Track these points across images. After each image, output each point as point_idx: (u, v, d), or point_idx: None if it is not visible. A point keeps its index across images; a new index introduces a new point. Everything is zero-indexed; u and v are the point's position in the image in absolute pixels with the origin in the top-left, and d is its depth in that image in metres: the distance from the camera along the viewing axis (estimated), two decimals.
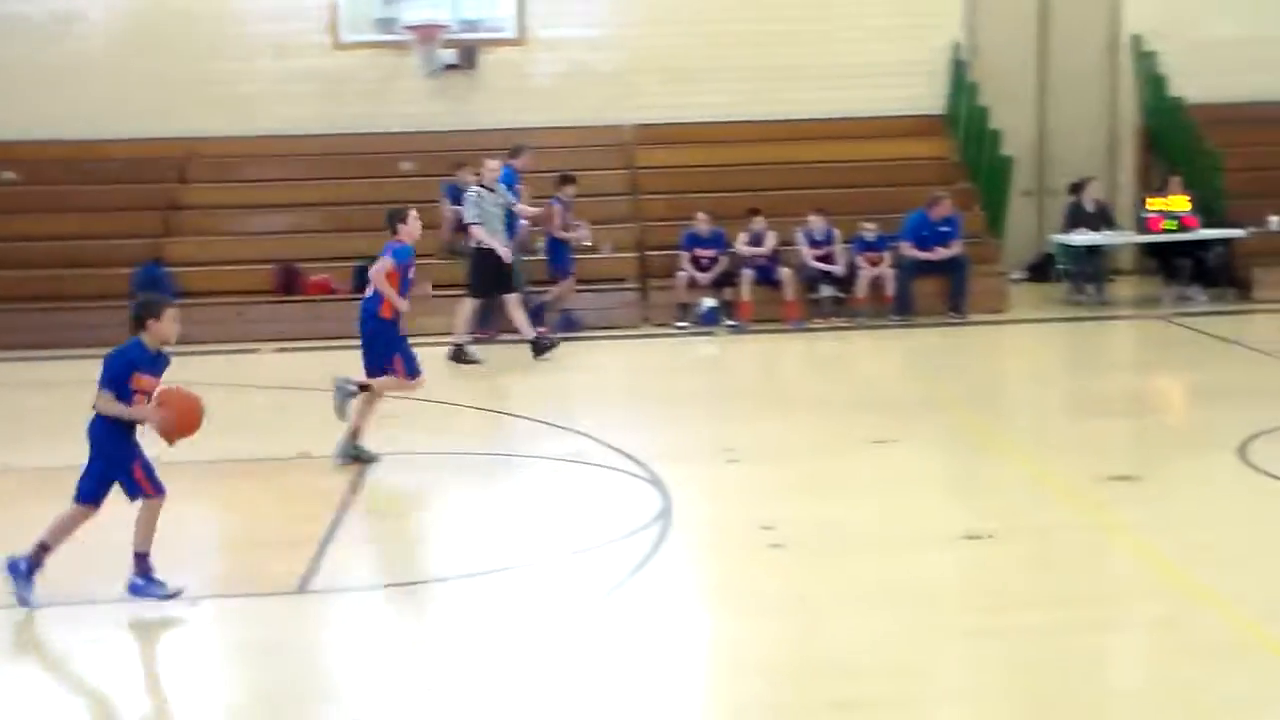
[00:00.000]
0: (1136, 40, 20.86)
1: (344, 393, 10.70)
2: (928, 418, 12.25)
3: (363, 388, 10.76)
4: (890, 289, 17.80)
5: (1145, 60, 20.76)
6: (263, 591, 8.11)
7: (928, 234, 17.89)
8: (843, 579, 8.07)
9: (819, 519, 9.24)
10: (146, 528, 7.73)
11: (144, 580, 7.75)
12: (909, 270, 17.82)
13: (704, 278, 17.81)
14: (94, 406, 7.63)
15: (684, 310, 17.66)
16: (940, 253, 17.81)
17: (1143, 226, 18.63)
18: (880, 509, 9.43)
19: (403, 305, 10.71)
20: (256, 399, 14.12)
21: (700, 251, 17.94)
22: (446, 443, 11.65)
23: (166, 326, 7.68)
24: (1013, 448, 11.34)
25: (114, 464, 7.63)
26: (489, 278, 15.45)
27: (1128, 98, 21.18)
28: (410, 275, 10.78)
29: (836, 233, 18.04)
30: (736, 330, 17.05)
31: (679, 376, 15.03)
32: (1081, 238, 18.54)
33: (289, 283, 18.22)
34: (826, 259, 17.94)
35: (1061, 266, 19.19)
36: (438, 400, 12.76)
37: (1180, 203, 18.36)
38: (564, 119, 20.07)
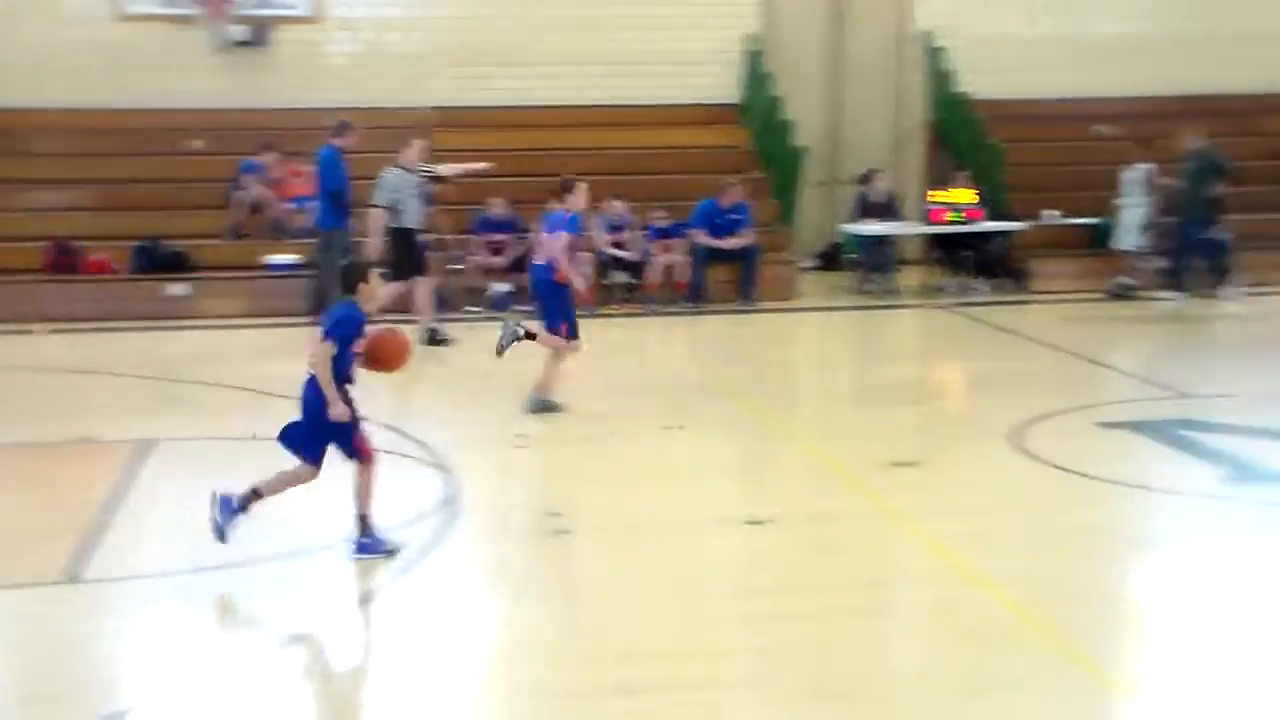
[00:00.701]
0: (925, 35, 21.35)
1: (512, 334, 11.44)
2: (714, 404, 12.36)
3: (529, 335, 11.50)
4: (683, 276, 17.93)
5: (933, 55, 21.27)
6: (23, 582, 7.81)
7: (720, 222, 18.06)
8: (626, 564, 8.08)
9: (605, 505, 9.26)
10: (366, 490, 7.98)
11: (370, 539, 7.99)
12: (701, 258, 17.97)
13: (497, 263, 17.72)
14: (310, 365, 7.83)
15: (474, 295, 17.53)
16: (731, 241, 18.00)
17: (928, 218, 19.09)
18: (666, 494, 9.48)
19: (578, 281, 11.90)
20: (34, 381, 13.62)
21: (493, 236, 17.84)
22: (221, 427, 11.37)
23: (376, 287, 8.04)
24: (797, 434, 11.51)
25: (328, 425, 7.82)
26: (404, 259, 15.16)
27: (917, 92, 21.67)
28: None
29: (632, 219, 18.12)
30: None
31: (469, 361, 14.90)
32: (869, 228, 18.92)
33: (65, 261, 17.60)
34: (620, 245, 18.00)
35: (850, 256, 19.57)
36: (237, 386, 12.44)
37: (965, 196, 18.84)
38: (360, 100, 19.72)
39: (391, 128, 19.14)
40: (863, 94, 21.69)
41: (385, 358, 8.16)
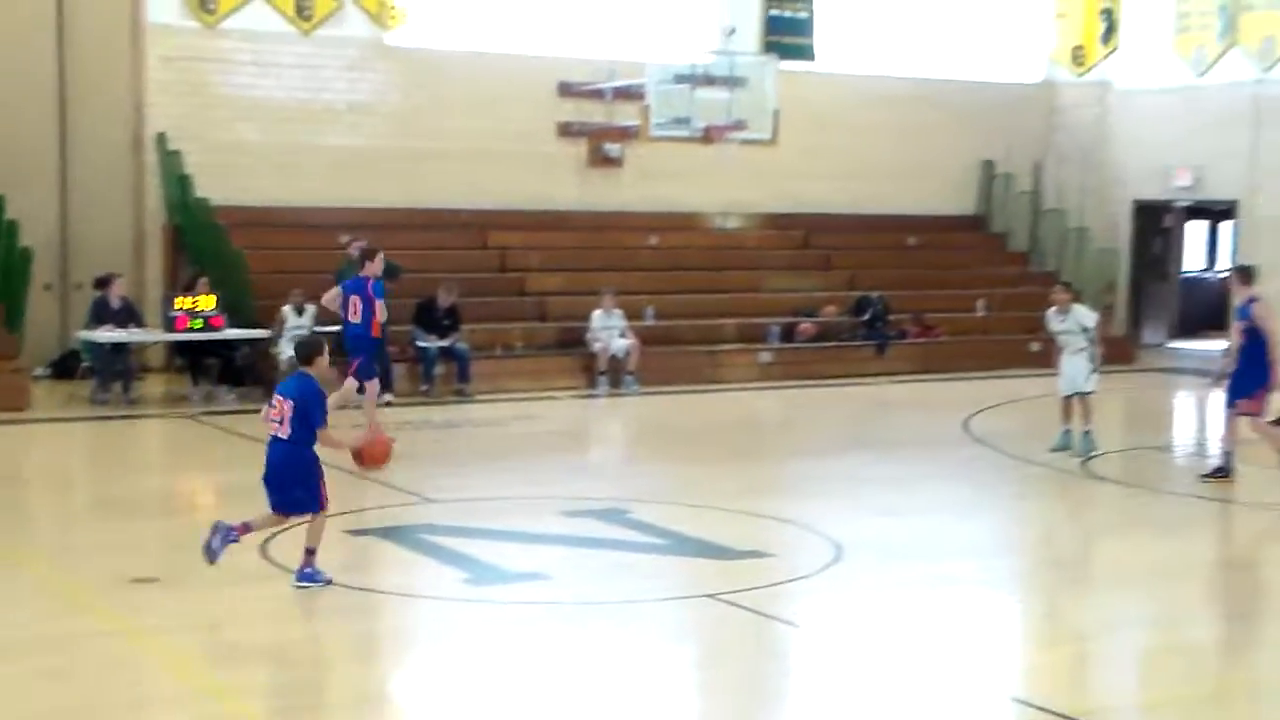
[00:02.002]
0: (161, 138, 20.81)
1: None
2: None
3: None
4: None
5: (170, 159, 20.75)
6: None
7: None
8: None
9: None
10: (319, 531, 9.54)
11: (311, 570, 9.45)
12: None
13: None
14: (321, 442, 9.40)
15: None
16: None
17: (170, 325, 18.49)
18: None
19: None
20: None
21: None
22: None
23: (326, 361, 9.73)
24: (30, 555, 10.63)
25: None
26: None
27: (155, 195, 21.05)
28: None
29: None
30: None
31: None
32: (107, 335, 18.06)
33: None
34: None
35: (87, 364, 18.58)
36: None
37: (207, 302, 18.43)
38: None
39: None
40: (96, 195, 20.81)
41: (377, 456, 10.16)
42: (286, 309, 18.66)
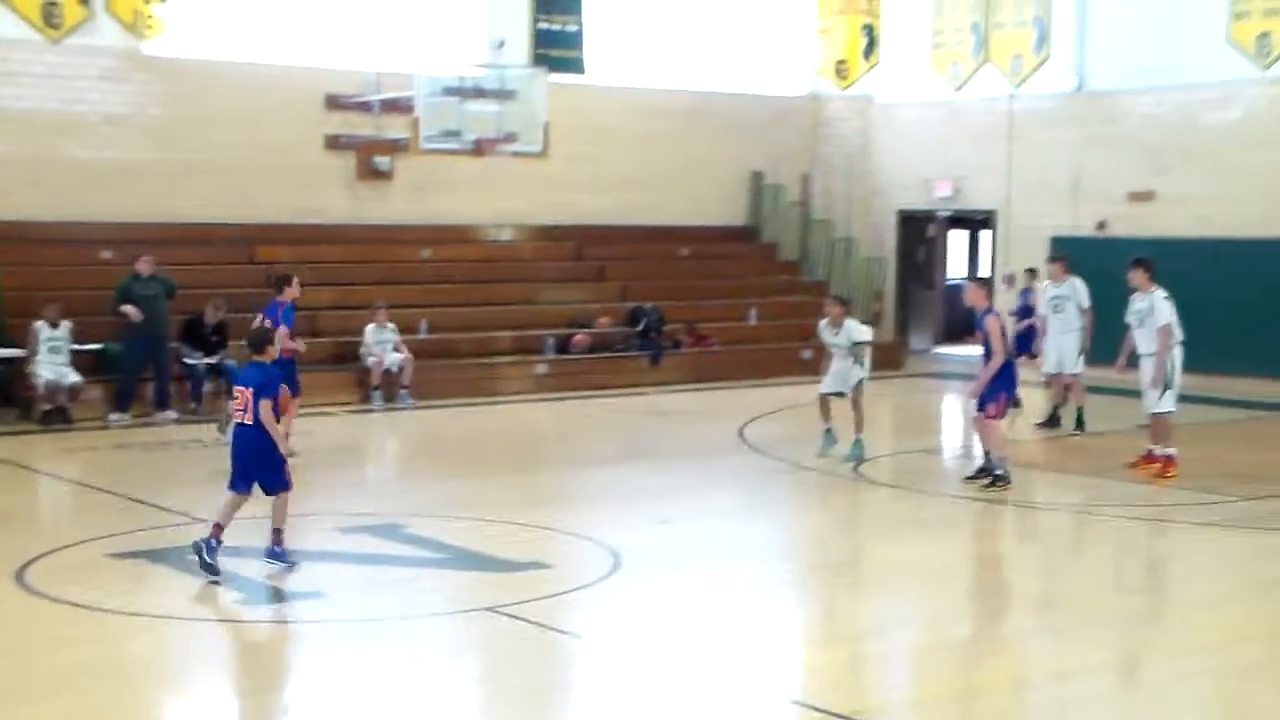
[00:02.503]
0: None
1: None
2: None
3: None
4: None
5: None
6: None
7: None
8: None
9: None
10: (283, 512, 10.33)
11: (281, 550, 10.25)
12: None
13: None
14: (260, 418, 10.06)
15: None
16: None
17: None
18: None
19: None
20: None
21: None
22: None
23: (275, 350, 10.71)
24: None
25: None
26: None
27: None
28: None
29: None
30: None
31: None
32: None
33: None
34: None
35: None
36: None
37: None
38: None
39: None
40: None
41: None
42: (39, 324, 17.92)
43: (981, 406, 13.99)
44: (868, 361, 15.70)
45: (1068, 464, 16.03)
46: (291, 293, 14.72)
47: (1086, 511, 13.53)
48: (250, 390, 10.12)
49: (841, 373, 15.55)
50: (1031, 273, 20.61)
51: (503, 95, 21.60)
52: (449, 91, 21.34)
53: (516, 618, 9.23)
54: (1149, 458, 14.66)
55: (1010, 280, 23.95)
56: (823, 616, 10.12)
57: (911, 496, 14.23)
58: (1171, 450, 14.53)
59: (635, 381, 22.09)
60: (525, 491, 14.01)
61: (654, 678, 8.29)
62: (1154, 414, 14.62)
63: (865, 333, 15.75)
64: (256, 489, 10.30)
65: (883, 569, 11.42)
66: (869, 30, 27.52)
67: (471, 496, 13.58)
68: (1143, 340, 14.56)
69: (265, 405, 10.06)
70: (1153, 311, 14.43)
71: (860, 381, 15.53)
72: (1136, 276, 14.62)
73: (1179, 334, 14.53)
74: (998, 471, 13.84)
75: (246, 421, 10.14)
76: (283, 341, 13.20)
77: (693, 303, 24.27)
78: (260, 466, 10.19)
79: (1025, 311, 19.56)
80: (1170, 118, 23.37)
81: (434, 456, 17.06)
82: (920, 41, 26.84)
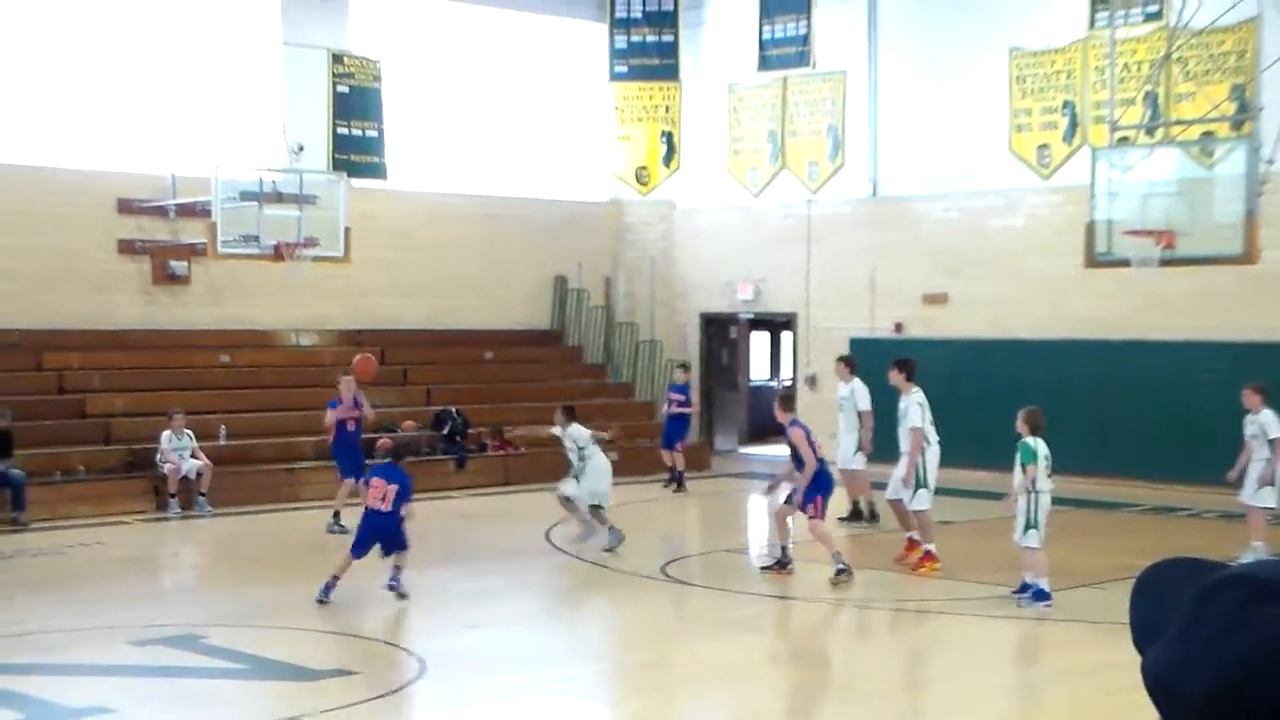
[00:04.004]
0: None
1: None
2: None
3: None
4: None
5: None
6: None
7: None
8: None
9: None
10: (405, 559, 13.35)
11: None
12: None
13: None
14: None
15: None
16: None
17: None
18: None
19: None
20: None
21: None
22: None
23: None
24: None
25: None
26: None
27: None
28: None
29: None
30: None
31: None
32: None
33: None
34: None
35: None
36: None
37: None
38: None
39: None
40: None
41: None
42: None
43: (804, 508, 14.21)
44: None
45: (869, 560, 16.24)
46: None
47: (899, 609, 13.69)
48: (395, 487, 12.89)
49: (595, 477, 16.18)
50: (684, 367, 23.44)
51: (302, 200, 21.36)
52: (247, 196, 21.02)
53: None
54: (910, 544, 15.11)
55: (812, 381, 24.39)
56: (632, 719, 10.02)
57: (719, 595, 14.25)
58: (930, 546, 14.83)
59: (441, 485, 21.79)
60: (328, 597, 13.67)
61: None
62: (913, 511, 15.08)
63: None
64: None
65: (690, 668, 11.38)
66: (668, 138, 27.98)
67: (273, 604, 13.20)
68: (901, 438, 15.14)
69: (408, 507, 13.06)
70: (906, 414, 14.89)
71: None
72: (894, 377, 15.19)
73: (933, 436, 15.08)
74: (839, 566, 14.03)
75: (385, 509, 12.82)
76: None
77: (498, 405, 24.15)
78: (388, 541, 12.93)
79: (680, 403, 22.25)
80: (960, 223, 24.14)
81: (234, 564, 16.59)
82: (719, 149, 27.38)
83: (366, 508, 13.18)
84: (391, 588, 13.00)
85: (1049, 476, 12.77)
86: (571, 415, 16.54)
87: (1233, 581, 1.47)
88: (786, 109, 26.43)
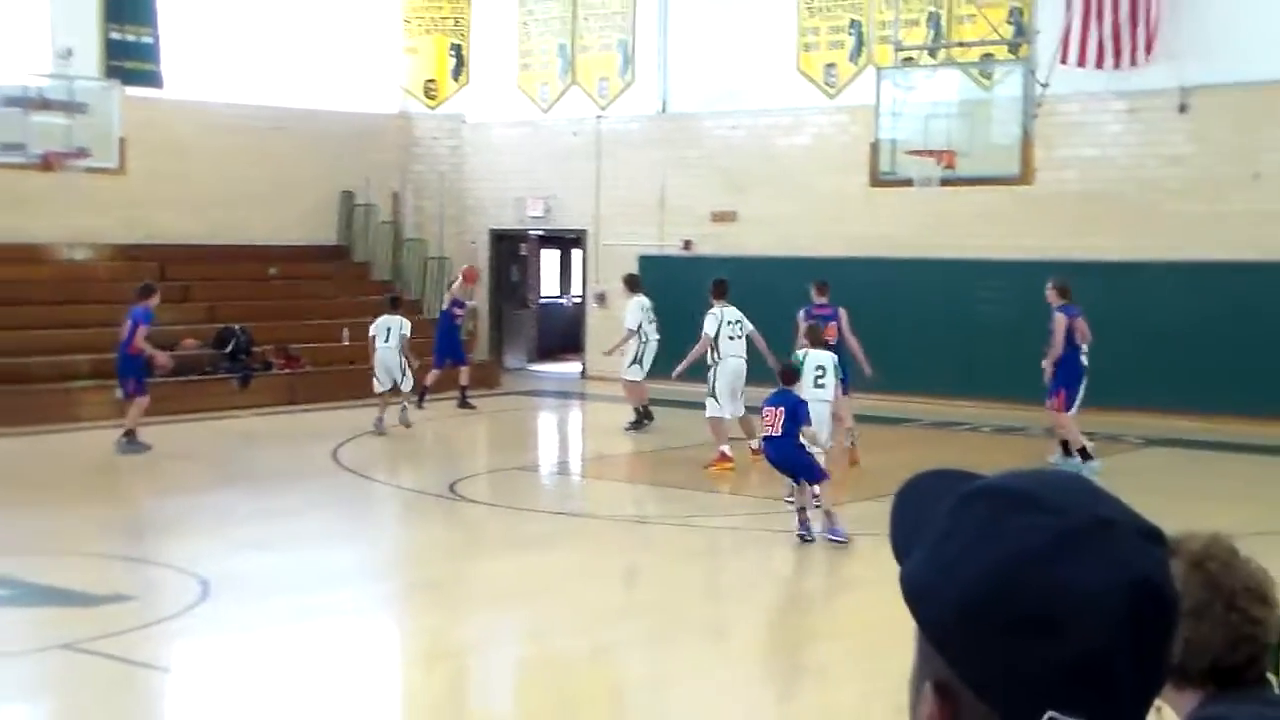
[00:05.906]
0: None
1: None
2: None
3: None
4: None
5: None
6: None
7: None
8: None
9: None
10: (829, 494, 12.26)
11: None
12: None
13: None
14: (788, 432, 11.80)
15: None
16: None
17: None
18: None
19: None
20: None
21: None
22: None
23: None
24: None
25: None
26: None
27: None
28: None
29: None
30: None
31: None
32: None
33: None
34: None
35: None
36: None
37: None
38: None
39: None
40: None
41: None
42: None
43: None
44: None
45: (658, 476, 16.38)
46: (153, 301, 17.17)
47: (685, 524, 13.80)
48: (782, 410, 11.74)
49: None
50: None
51: (72, 108, 20.44)
52: (11, 102, 20.01)
53: (96, 654, 8.69)
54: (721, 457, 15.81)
55: (601, 299, 24.38)
56: (421, 635, 9.96)
57: (507, 513, 14.22)
58: (724, 448, 15.67)
59: (224, 405, 21.32)
60: (106, 522, 13.29)
61: (248, 709, 7.94)
62: (707, 419, 15.99)
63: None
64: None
65: (481, 585, 11.34)
66: (457, 50, 27.54)
67: (47, 529, 12.76)
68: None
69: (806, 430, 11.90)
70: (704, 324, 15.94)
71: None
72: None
73: (725, 350, 15.89)
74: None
75: (775, 434, 11.85)
76: (138, 340, 16.72)
77: (283, 323, 23.63)
78: (796, 467, 11.89)
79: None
80: (748, 141, 24.29)
81: (6, 486, 15.98)
82: (509, 62, 27.04)
83: None
84: (831, 535, 11.94)
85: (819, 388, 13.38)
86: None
87: (985, 492, 1.48)
88: (577, 23, 26.21)
